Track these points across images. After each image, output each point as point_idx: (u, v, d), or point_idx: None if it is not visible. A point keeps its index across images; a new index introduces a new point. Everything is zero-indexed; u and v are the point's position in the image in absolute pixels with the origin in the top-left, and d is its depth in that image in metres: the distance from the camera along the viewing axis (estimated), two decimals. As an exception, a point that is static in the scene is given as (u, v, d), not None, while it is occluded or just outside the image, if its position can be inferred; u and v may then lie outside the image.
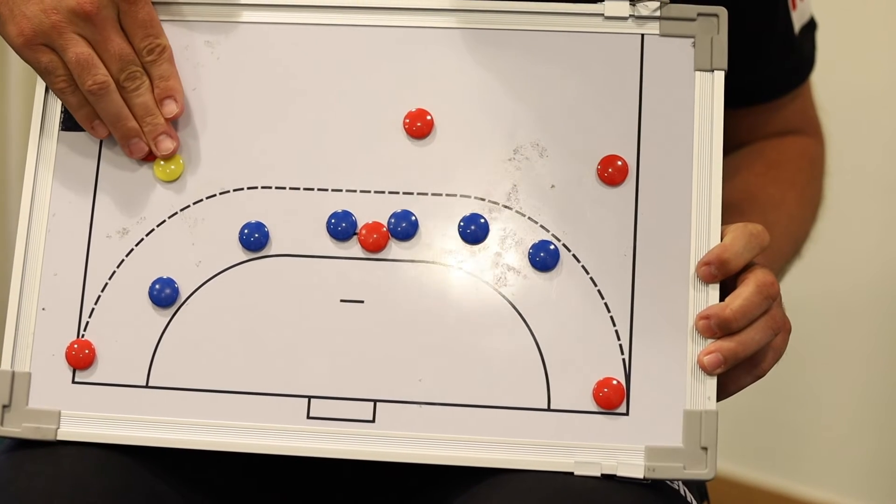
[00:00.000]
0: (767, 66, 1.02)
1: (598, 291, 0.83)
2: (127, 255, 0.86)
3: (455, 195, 0.85)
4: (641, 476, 0.80)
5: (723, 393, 0.83)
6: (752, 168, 1.02)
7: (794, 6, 1.02)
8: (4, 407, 0.84)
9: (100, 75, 0.84)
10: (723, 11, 0.86)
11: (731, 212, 0.88)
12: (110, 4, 0.84)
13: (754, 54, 0.99)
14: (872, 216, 1.83)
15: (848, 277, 1.85)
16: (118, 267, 0.86)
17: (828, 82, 1.11)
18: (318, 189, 0.86)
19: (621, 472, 0.81)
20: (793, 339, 0.84)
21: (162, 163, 0.87)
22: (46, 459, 0.82)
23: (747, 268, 0.82)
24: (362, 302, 0.84)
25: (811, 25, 1.06)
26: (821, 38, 1.07)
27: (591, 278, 0.84)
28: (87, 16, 0.83)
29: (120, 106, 0.85)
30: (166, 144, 0.86)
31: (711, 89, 0.85)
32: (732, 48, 0.85)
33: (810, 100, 1.08)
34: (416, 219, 0.85)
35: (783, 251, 0.99)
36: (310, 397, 0.83)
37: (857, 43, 1.78)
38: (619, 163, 0.85)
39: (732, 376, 0.83)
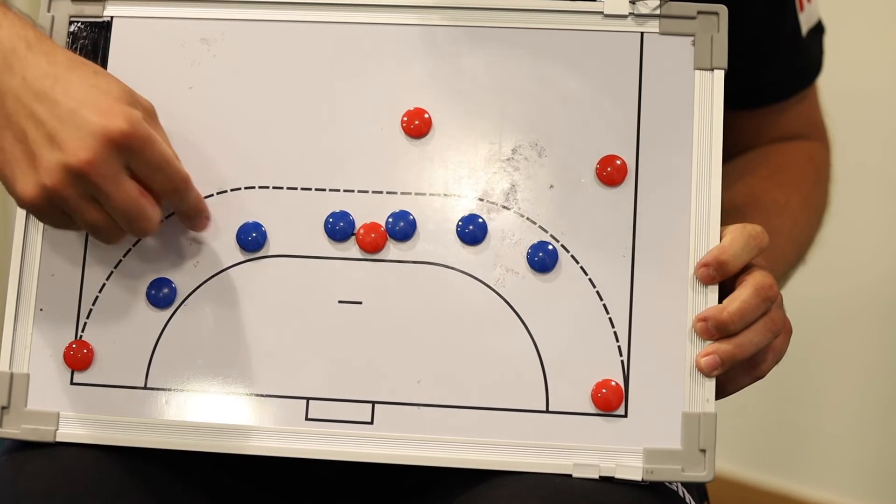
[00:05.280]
0: (774, 68, 1.01)
1: (597, 293, 0.83)
2: (124, 256, 0.86)
3: (453, 195, 0.85)
4: (640, 478, 0.80)
5: (721, 393, 0.83)
6: (756, 172, 1.01)
7: (802, 8, 1.01)
8: (3, 408, 0.84)
9: (146, 224, 0.80)
10: (723, 10, 0.85)
11: (734, 215, 0.87)
12: (113, 153, 0.77)
13: (761, 55, 0.98)
14: (874, 218, 1.82)
15: (848, 279, 1.84)
16: (115, 267, 0.86)
17: (829, 83, 1.10)
18: (316, 189, 0.86)
19: (620, 474, 0.81)
20: (793, 340, 0.84)
21: None
22: (45, 461, 0.82)
23: (747, 269, 0.82)
24: (360, 303, 0.84)
25: (819, 28, 1.05)
26: (825, 40, 1.06)
27: (590, 279, 0.83)
28: (85, 174, 0.77)
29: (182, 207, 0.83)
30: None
31: (711, 88, 0.85)
32: (740, 48, 0.85)
33: (816, 104, 1.07)
34: (414, 219, 0.85)
35: (787, 256, 0.98)
36: (308, 399, 0.83)
37: (858, 43, 1.77)
38: (618, 162, 0.84)
39: (731, 377, 0.83)
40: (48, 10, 0.89)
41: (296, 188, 0.86)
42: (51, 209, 0.79)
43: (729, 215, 0.84)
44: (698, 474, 0.80)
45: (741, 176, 1.01)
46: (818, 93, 1.07)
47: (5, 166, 0.79)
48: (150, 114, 0.82)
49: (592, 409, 0.82)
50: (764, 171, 1.02)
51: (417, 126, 0.86)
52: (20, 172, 0.78)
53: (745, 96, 0.94)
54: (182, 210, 0.83)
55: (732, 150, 0.84)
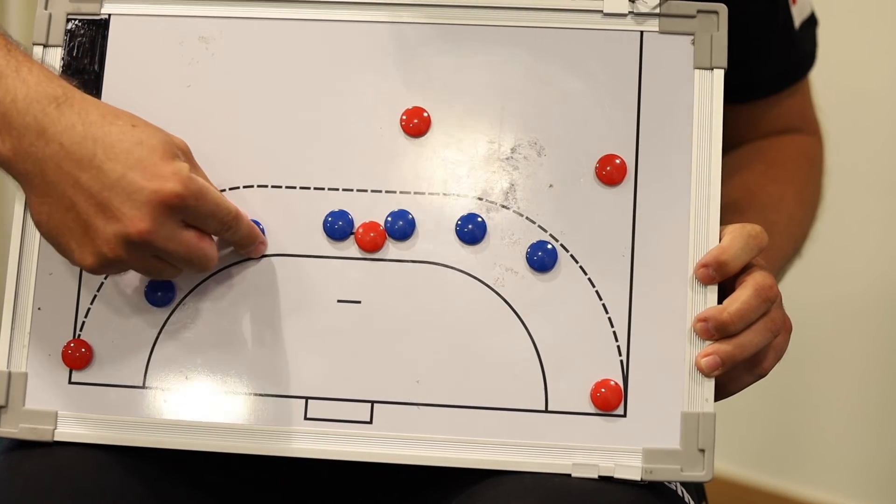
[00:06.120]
0: (767, 61, 1.01)
1: (597, 292, 0.83)
2: (123, 255, 0.86)
3: (452, 194, 0.85)
4: (639, 478, 0.80)
5: (723, 392, 0.83)
6: (751, 167, 1.02)
7: (794, 1, 1.01)
8: (1, 408, 0.84)
9: (208, 263, 0.81)
10: (723, 8, 0.85)
11: (730, 211, 0.87)
12: (169, 216, 0.77)
13: (754, 48, 0.98)
14: (871, 216, 1.82)
15: (846, 278, 1.84)
16: (114, 266, 0.86)
17: (825, 81, 1.10)
18: (315, 188, 0.86)
19: (619, 474, 0.81)
20: (790, 341, 0.84)
21: None
22: (44, 460, 0.82)
23: (746, 269, 0.82)
24: (359, 302, 0.84)
25: (811, 21, 1.05)
26: (819, 36, 1.06)
27: (589, 279, 0.83)
28: (147, 241, 0.77)
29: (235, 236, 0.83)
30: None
31: (711, 88, 0.84)
32: (732, 42, 0.85)
33: (809, 98, 1.07)
34: (413, 218, 0.85)
35: (783, 251, 0.98)
36: (307, 398, 0.83)
37: (854, 42, 1.77)
38: (618, 161, 0.84)
39: (733, 376, 0.83)
40: (45, 8, 0.89)
41: (294, 187, 0.86)
42: (111, 270, 0.80)
43: (724, 211, 0.84)
44: (697, 474, 0.80)
45: (736, 171, 1.01)
46: (811, 86, 1.07)
47: (58, 235, 0.79)
48: (187, 155, 0.81)
49: (592, 409, 0.82)
50: (758, 166, 1.02)
51: (416, 125, 0.86)
52: (75, 242, 0.78)
53: (738, 90, 0.94)
54: (236, 241, 0.83)
55: (725, 144, 0.84)
